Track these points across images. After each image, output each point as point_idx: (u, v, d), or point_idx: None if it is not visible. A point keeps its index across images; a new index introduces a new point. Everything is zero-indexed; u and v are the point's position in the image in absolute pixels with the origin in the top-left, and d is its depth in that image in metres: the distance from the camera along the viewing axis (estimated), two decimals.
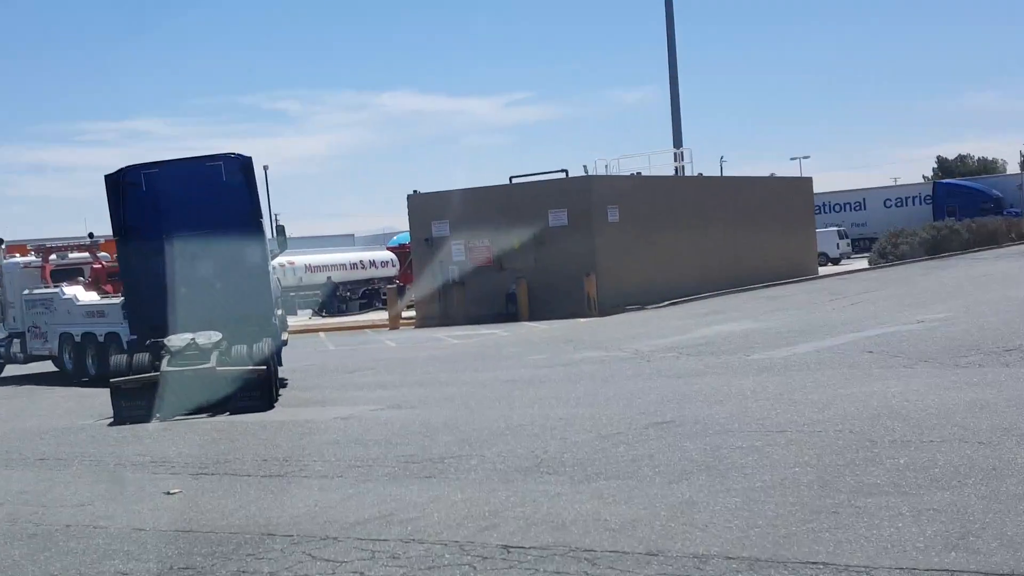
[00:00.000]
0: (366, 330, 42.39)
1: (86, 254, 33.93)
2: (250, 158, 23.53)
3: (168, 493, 12.39)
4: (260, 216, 23.61)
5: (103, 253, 33.62)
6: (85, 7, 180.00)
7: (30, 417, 21.64)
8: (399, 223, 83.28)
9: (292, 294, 53.46)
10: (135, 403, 20.06)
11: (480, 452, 13.11)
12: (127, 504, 12.08)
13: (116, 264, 30.85)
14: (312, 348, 34.76)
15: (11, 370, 34.29)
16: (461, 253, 42.53)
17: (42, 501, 12.65)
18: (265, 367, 20.66)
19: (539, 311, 39.84)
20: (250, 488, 12.25)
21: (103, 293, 31.57)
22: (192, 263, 22.99)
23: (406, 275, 52.25)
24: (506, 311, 40.55)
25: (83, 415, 21.25)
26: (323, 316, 52.42)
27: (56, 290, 31.99)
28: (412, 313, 43.65)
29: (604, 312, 38.46)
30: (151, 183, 23.23)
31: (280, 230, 27.87)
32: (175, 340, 21.21)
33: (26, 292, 32.92)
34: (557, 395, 17.80)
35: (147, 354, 21.13)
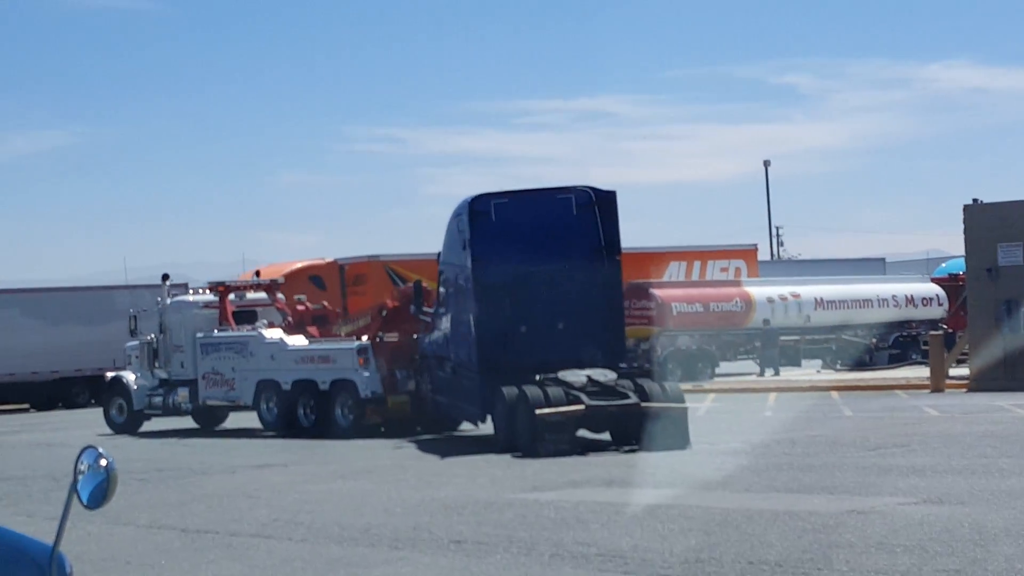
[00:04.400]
0: (897, 391, 41.75)
1: (263, 294, 39.57)
2: (610, 193, 30.01)
3: None
4: (614, 253, 29.79)
5: (281, 295, 39.43)
6: None
7: (444, 485, 22.76)
8: (949, 245, 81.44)
9: (795, 338, 53.50)
10: (559, 436, 26.69)
11: None
12: None
13: (321, 307, 39.17)
14: (822, 413, 34.64)
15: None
16: None
17: None
18: (685, 404, 27.65)
19: None
20: None
21: (310, 337, 36.71)
22: (536, 299, 29.38)
23: (957, 318, 51.08)
24: None
25: (511, 485, 22.11)
26: (837, 369, 52.07)
27: (254, 333, 37.41)
28: (964, 371, 42.53)
29: None
30: (500, 214, 29.71)
31: None
32: (570, 376, 27.86)
33: (201, 335, 38.22)
34: None
35: (560, 388, 27.48)
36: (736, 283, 55.59)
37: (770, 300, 53.16)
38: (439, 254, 32.33)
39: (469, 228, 29.55)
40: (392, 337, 34.87)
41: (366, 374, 33.98)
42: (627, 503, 19.17)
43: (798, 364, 53.93)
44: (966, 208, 43.21)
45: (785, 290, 54.45)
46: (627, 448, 27.05)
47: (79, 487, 6.38)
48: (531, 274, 29.36)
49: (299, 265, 49.62)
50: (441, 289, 32.03)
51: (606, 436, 28.34)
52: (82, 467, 6.37)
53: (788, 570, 13.50)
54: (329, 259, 52.02)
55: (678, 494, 19.91)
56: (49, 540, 6.35)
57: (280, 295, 39.65)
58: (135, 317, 41.01)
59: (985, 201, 43.47)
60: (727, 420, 34.02)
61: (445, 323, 31.60)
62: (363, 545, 16.66)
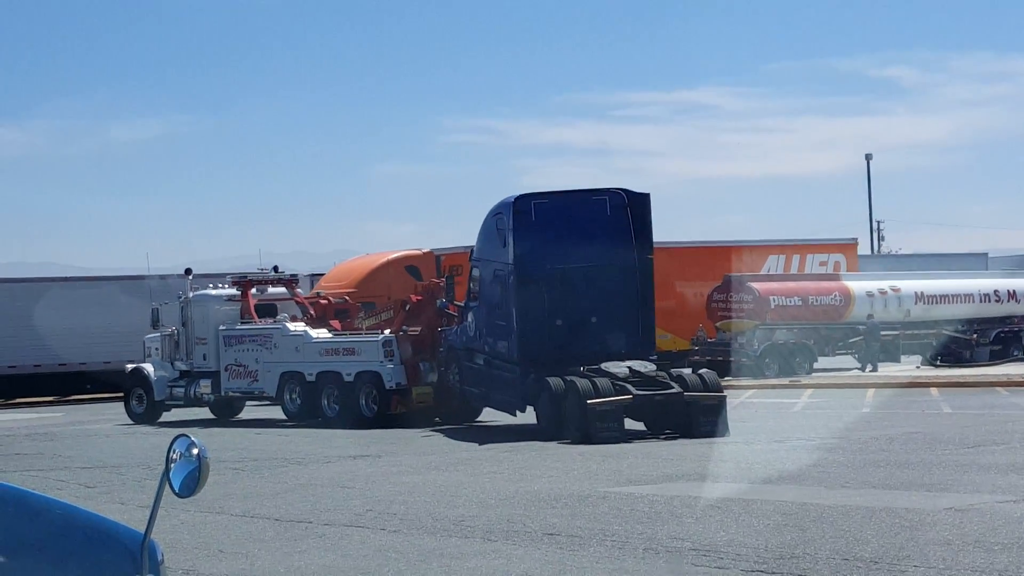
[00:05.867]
0: (998, 388, 41.31)
1: (282, 289, 41.01)
2: (644, 195, 32.08)
3: None
4: (646, 252, 31.74)
5: (299, 289, 41.31)
6: None
7: (538, 478, 22.77)
8: None
9: (895, 333, 52.97)
10: (608, 424, 28.38)
11: None
12: None
13: (342, 300, 40.77)
14: (919, 409, 34.36)
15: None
16: None
17: None
18: (724, 393, 29.59)
19: None
20: None
21: (332, 330, 38.30)
22: (572, 294, 31.24)
23: None
24: None
25: (605, 479, 22.11)
26: (936, 365, 51.56)
27: (277, 326, 38.93)
28: None
29: None
30: (540, 213, 31.66)
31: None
32: (613, 367, 29.60)
33: (224, 327, 39.83)
34: None
35: (607, 379, 29.03)
36: (835, 277, 55.16)
37: (869, 294, 52.72)
38: (471, 249, 33.81)
39: (512, 226, 31.27)
40: (414, 330, 36.30)
41: (391, 366, 35.59)
42: (722, 497, 19.11)
43: (897, 359, 53.42)
44: None
45: (884, 284, 53.96)
46: (664, 436, 29.03)
47: (171, 475, 6.44)
48: (568, 271, 31.34)
49: (395, 255, 49.69)
50: (473, 284, 33.25)
51: (640, 425, 29.79)
52: (174, 455, 6.43)
53: (884, 567, 13.41)
54: (426, 249, 52.10)
55: (773, 489, 19.84)
56: (141, 528, 6.42)
57: (299, 289, 41.37)
58: (157, 310, 41.88)
59: None
60: (824, 415, 33.84)
61: (478, 316, 32.91)
62: (456, 536, 16.72)
